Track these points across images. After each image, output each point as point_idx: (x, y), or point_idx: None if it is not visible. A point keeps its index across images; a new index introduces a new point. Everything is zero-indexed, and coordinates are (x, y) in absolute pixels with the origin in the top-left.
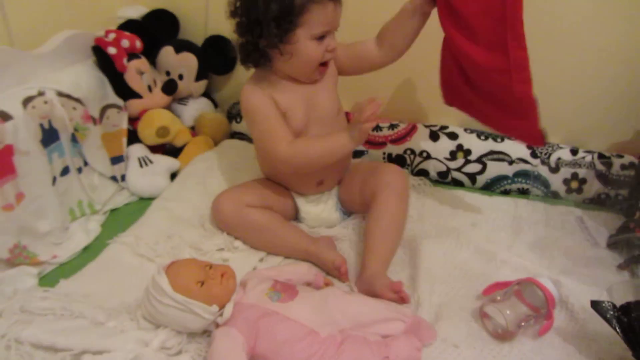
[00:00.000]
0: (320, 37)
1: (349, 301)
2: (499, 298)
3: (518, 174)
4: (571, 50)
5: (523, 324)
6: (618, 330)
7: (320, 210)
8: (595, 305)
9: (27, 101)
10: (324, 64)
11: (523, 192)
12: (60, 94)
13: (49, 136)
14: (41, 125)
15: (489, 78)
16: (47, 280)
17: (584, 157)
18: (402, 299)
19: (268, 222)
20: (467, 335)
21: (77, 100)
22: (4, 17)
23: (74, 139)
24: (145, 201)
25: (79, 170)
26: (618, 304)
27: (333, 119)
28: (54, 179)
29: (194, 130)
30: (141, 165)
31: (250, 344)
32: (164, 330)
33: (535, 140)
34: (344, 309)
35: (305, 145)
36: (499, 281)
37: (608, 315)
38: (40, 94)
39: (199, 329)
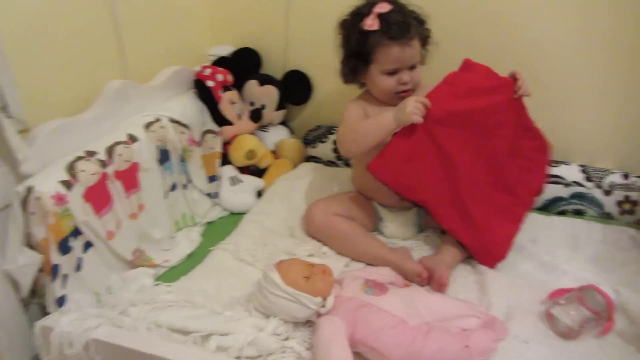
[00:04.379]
0: (392, 72)
1: (431, 299)
2: (562, 302)
3: (574, 196)
4: (620, 77)
5: (586, 325)
6: None
7: (400, 224)
8: None
9: (148, 126)
10: (404, 92)
11: (578, 213)
12: (172, 120)
13: (163, 156)
14: (158, 147)
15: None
16: (162, 279)
17: (635, 182)
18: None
19: (351, 231)
20: (535, 333)
21: (185, 125)
22: (123, 55)
23: (181, 159)
24: (235, 215)
25: (184, 186)
26: None
27: None
28: (166, 194)
29: (274, 153)
30: (232, 184)
31: (349, 331)
32: (274, 318)
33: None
34: (427, 305)
35: (355, 125)
36: (562, 288)
37: None
38: (157, 120)
39: (304, 318)
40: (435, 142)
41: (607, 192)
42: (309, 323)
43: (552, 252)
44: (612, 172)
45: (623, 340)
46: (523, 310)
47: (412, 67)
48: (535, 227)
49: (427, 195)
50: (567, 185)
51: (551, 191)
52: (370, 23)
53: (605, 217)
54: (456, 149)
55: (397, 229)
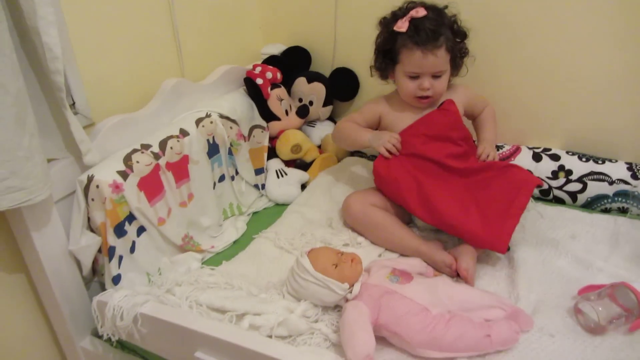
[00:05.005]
0: (414, 76)
1: (457, 289)
2: (592, 298)
3: (618, 194)
4: None
5: (614, 321)
6: None
7: None
8: None
9: (198, 121)
10: (424, 98)
11: (623, 211)
12: (222, 116)
13: (212, 149)
14: (207, 141)
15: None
16: (208, 263)
17: None
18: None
19: (387, 221)
20: (562, 327)
21: (234, 121)
22: (180, 56)
23: (229, 152)
24: (280, 206)
25: (232, 178)
26: None
27: None
28: (214, 184)
29: (320, 148)
30: (278, 177)
31: (374, 316)
32: (304, 302)
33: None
34: (451, 294)
35: (345, 125)
36: (594, 284)
37: None
38: (208, 115)
39: (332, 303)
40: (410, 167)
41: None
42: (337, 308)
43: (590, 249)
44: None
45: None
46: (552, 305)
47: (436, 76)
48: (576, 223)
49: (413, 211)
50: (611, 182)
51: (595, 188)
52: (400, 25)
53: None
54: (427, 176)
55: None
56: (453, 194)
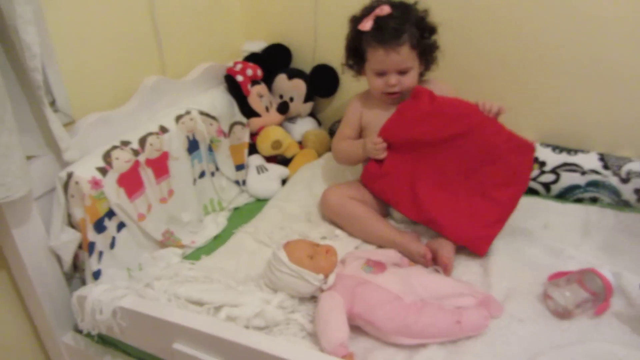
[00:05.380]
0: (381, 73)
1: (429, 278)
2: (561, 284)
3: (590, 184)
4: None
5: (582, 305)
6: None
7: None
8: None
9: (178, 118)
10: (392, 94)
11: (595, 201)
12: (201, 113)
13: (192, 146)
14: (187, 137)
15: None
16: (189, 258)
17: None
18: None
19: (364, 213)
20: (531, 312)
21: (214, 117)
22: (161, 54)
23: (209, 149)
24: (261, 202)
25: (212, 174)
26: None
27: None
28: (194, 180)
29: (301, 144)
30: (258, 173)
31: (348, 306)
32: (281, 293)
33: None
34: (424, 283)
35: (339, 146)
36: (564, 271)
37: None
38: (187, 112)
39: (308, 294)
40: (402, 159)
41: (625, 180)
42: (314, 298)
43: (562, 237)
44: (632, 161)
45: (619, 320)
46: (523, 292)
47: (402, 72)
48: (549, 213)
49: (401, 208)
50: (583, 173)
51: (568, 179)
52: (364, 24)
53: (622, 204)
54: (420, 163)
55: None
56: (443, 184)
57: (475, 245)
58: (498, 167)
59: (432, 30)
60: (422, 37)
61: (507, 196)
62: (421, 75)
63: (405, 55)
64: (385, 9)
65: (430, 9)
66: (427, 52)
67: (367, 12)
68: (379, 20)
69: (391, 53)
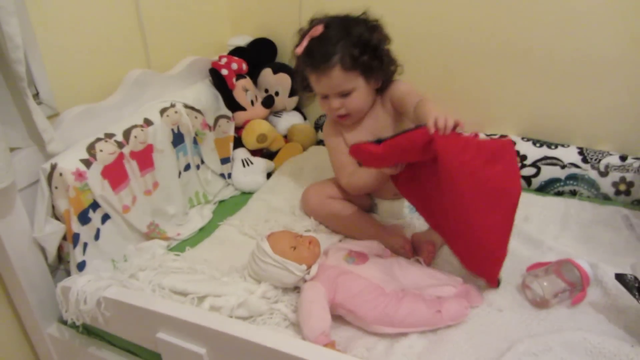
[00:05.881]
0: (324, 97)
1: (410, 268)
2: (540, 274)
3: (570, 177)
4: (620, 65)
5: (559, 295)
6: (638, 298)
7: (393, 207)
8: (620, 277)
9: (163, 111)
10: (341, 116)
11: (575, 194)
12: (186, 106)
13: (177, 139)
14: (172, 130)
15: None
16: (174, 250)
17: (632, 163)
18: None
19: (344, 210)
20: (510, 302)
21: (198, 111)
22: (145, 46)
23: (194, 142)
24: (246, 195)
25: (197, 167)
26: None
27: None
28: (179, 173)
29: (286, 137)
30: (244, 166)
31: (330, 295)
32: (264, 284)
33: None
34: (405, 274)
35: (355, 179)
36: (543, 261)
37: (630, 286)
38: (172, 105)
39: (291, 284)
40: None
41: (603, 174)
42: (297, 289)
43: (541, 229)
44: (610, 154)
45: (594, 309)
46: (503, 282)
47: (344, 94)
48: (530, 206)
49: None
50: (563, 167)
51: (548, 172)
52: (299, 48)
53: (602, 197)
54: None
55: (389, 211)
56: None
57: (487, 280)
58: (481, 192)
59: (379, 42)
60: (361, 55)
61: (500, 217)
62: (380, 89)
63: (339, 79)
64: (318, 30)
65: (387, 14)
66: (372, 69)
67: (304, 33)
68: (310, 43)
69: (322, 78)
